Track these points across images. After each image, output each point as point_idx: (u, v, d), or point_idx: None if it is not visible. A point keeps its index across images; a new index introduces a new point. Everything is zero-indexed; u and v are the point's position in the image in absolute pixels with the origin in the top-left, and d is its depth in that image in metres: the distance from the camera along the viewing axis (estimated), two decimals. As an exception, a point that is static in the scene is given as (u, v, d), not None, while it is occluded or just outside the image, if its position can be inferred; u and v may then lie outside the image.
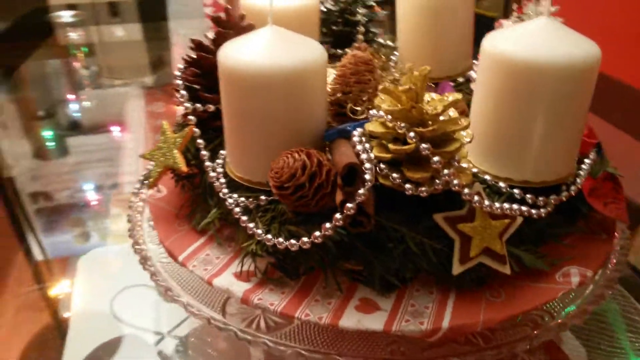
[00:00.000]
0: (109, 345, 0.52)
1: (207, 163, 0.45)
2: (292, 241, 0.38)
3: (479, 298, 0.40)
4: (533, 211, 0.42)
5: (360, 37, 0.62)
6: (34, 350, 0.52)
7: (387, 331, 0.38)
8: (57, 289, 0.60)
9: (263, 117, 0.41)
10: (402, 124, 0.37)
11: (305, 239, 0.38)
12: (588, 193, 0.45)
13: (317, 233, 0.37)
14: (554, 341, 0.48)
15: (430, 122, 0.37)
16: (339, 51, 0.62)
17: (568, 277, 0.42)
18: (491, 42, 0.41)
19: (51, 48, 1.33)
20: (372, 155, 0.38)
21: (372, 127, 0.39)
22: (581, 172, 0.46)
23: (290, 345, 0.39)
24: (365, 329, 0.38)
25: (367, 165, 0.37)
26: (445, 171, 0.37)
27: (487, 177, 0.43)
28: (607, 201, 0.46)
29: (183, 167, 0.46)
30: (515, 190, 0.42)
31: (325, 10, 0.63)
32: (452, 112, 0.40)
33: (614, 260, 0.46)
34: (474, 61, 0.56)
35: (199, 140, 0.46)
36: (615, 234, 0.48)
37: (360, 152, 0.38)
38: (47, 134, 1.00)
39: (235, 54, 0.40)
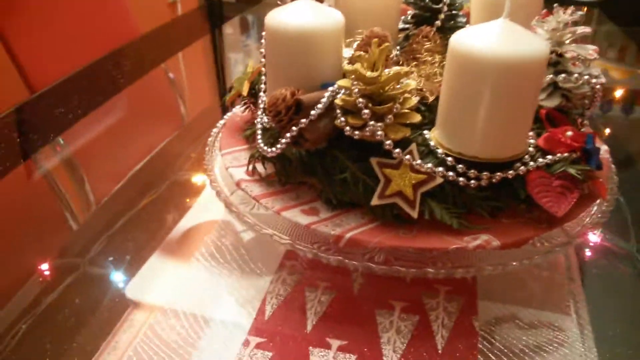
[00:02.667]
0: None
1: (260, 93, 0.64)
2: (267, 149, 0.55)
3: (392, 230, 0.51)
4: (461, 179, 0.51)
5: (438, 22, 0.72)
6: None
7: (307, 227, 0.52)
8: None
9: (286, 65, 0.57)
10: (355, 82, 0.50)
11: (273, 149, 0.54)
12: (529, 181, 0.51)
13: (278, 145, 0.53)
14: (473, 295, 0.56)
15: (369, 84, 0.49)
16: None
17: (473, 240, 0.50)
18: (456, 37, 0.50)
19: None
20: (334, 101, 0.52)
21: (342, 82, 0.52)
22: (531, 163, 0.52)
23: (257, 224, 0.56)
24: (295, 221, 0.53)
25: (319, 105, 0.51)
26: (372, 122, 0.49)
27: (432, 142, 0.53)
28: (548, 194, 0.51)
29: (244, 92, 0.65)
30: (449, 158, 0.51)
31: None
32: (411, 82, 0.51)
33: (537, 244, 0.51)
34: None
35: (262, 77, 0.65)
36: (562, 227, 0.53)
37: (323, 97, 0.52)
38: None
39: (275, 17, 0.57)
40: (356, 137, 0.51)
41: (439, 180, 0.50)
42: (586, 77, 0.56)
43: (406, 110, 0.52)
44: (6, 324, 0.54)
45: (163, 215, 0.74)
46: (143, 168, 0.86)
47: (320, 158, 0.55)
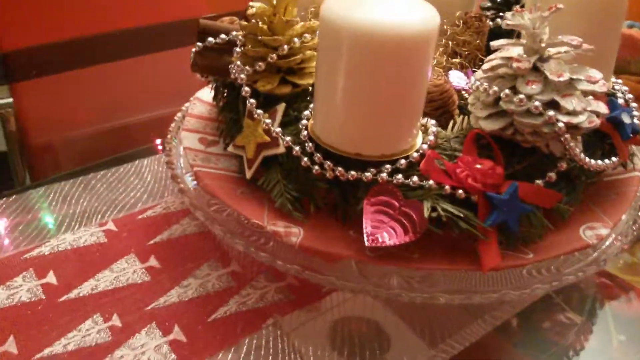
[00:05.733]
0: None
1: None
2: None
3: (237, 185, 0.48)
4: (305, 158, 0.43)
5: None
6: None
7: (185, 149, 0.52)
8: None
9: None
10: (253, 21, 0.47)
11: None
12: (368, 193, 0.41)
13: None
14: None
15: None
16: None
17: (284, 227, 0.43)
18: (327, 4, 0.40)
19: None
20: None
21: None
22: (383, 174, 0.41)
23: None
24: (181, 140, 0.54)
25: (222, 35, 0.49)
26: (238, 63, 0.46)
27: (306, 112, 0.46)
28: (382, 218, 0.40)
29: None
30: (304, 133, 0.44)
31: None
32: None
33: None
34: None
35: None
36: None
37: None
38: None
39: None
40: (232, 76, 0.48)
41: (282, 149, 0.44)
42: (537, 103, 0.39)
43: (303, 66, 0.46)
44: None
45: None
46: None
47: (233, 94, 0.53)
